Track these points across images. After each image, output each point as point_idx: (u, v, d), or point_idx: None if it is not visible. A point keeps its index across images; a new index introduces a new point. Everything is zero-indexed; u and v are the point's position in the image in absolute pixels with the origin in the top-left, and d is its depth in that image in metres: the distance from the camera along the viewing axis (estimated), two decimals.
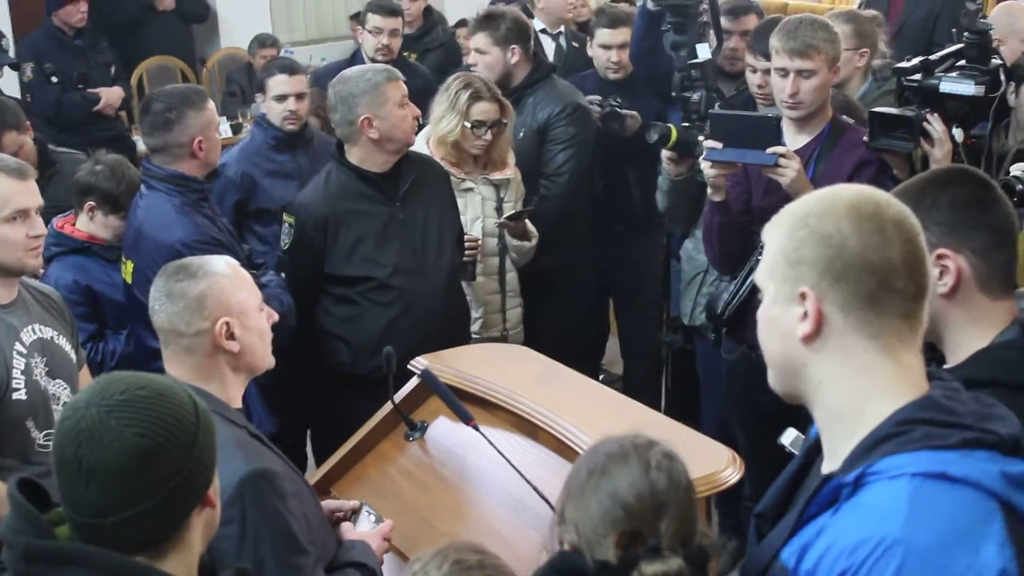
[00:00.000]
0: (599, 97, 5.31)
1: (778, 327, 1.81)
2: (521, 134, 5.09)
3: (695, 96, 4.68)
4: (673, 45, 5.07)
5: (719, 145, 3.82)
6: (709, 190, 3.93)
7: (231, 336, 2.67)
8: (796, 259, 1.76)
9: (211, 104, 4.08)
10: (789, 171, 3.73)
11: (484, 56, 5.15)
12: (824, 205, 1.78)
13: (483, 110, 4.63)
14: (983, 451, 1.67)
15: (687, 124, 4.61)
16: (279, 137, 5.08)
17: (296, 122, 5.09)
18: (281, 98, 5.07)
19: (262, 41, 8.40)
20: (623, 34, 5.31)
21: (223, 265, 2.76)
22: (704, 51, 4.82)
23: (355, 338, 4.22)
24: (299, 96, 5.09)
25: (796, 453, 2.47)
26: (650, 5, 5.29)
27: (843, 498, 1.70)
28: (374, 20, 6.17)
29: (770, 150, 3.75)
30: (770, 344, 1.85)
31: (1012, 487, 1.66)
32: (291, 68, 5.22)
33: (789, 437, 2.60)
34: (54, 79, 7.22)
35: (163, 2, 8.74)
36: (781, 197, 3.89)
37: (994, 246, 2.25)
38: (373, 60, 5.91)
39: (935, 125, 3.73)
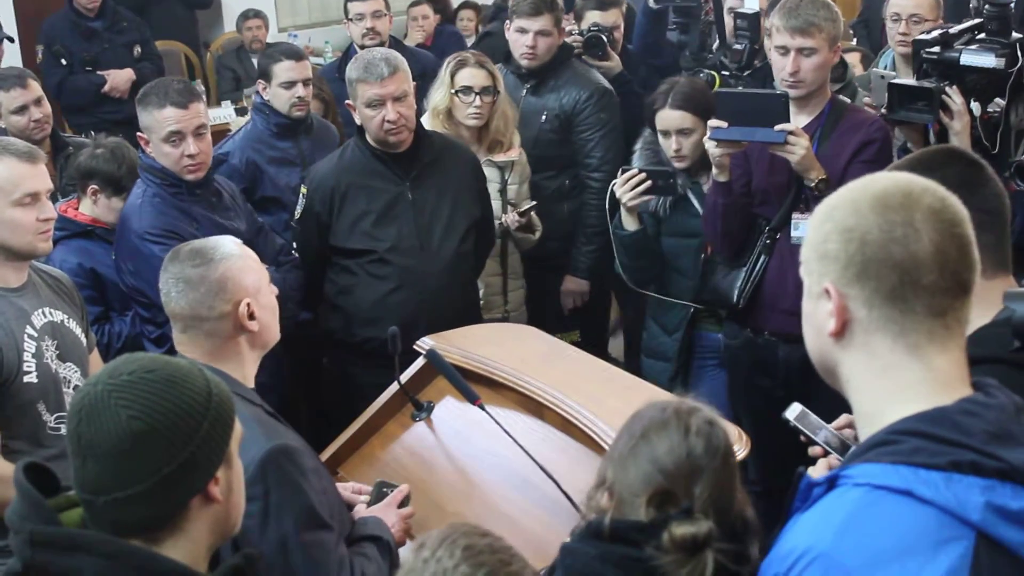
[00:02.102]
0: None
1: (812, 322, 1.76)
2: (543, 118, 5.10)
3: (738, 45, 4.68)
4: (678, 45, 5.10)
5: (724, 124, 3.81)
6: (714, 170, 3.93)
7: (251, 316, 2.69)
8: (822, 253, 1.70)
9: (167, 112, 3.95)
10: (798, 148, 3.72)
11: (547, 39, 5.10)
12: (852, 196, 1.71)
13: (468, 75, 4.67)
14: (976, 477, 1.57)
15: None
16: (281, 124, 5.08)
17: (304, 108, 5.09)
18: (289, 84, 5.05)
19: (245, 14, 8.35)
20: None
21: (233, 246, 2.78)
22: (753, 1, 4.82)
23: (348, 307, 4.29)
24: (306, 82, 5.08)
25: (801, 428, 2.49)
26: (652, 3, 5.33)
27: (814, 497, 1.66)
28: (354, 8, 6.17)
29: (778, 127, 3.73)
30: (808, 337, 1.79)
31: (998, 518, 1.56)
32: (297, 54, 5.20)
33: (794, 412, 2.58)
34: (63, 61, 7.24)
35: None
36: (783, 178, 3.90)
37: (983, 227, 2.25)
38: (363, 47, 5.87)
39: (954, 98, 3.73)
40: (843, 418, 2.66)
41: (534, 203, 4.77)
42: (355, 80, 4.15)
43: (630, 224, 4.24)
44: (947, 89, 3.74)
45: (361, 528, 2.82)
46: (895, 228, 1.64)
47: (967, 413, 1.63)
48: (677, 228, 4.31)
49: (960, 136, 3.75)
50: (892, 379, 1.68)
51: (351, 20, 6.19)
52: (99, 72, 7.27)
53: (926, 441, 1.60)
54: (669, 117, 4.20)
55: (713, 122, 3.84)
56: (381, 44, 5.87)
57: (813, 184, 3.78)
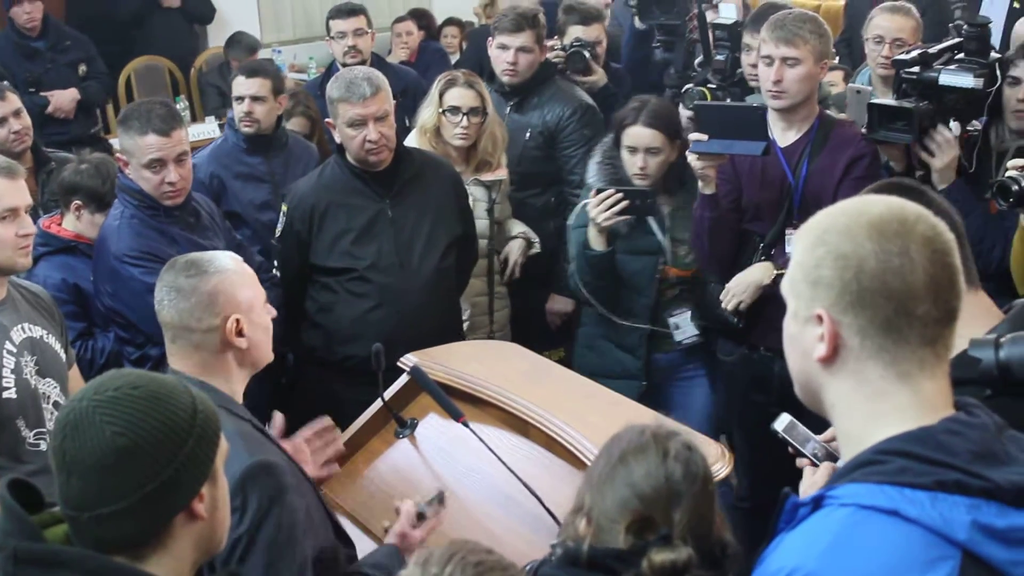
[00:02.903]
0: None
1: (798, 344, 1.74)
2: (527, 135, 5.11)
3: (719, 56, 4.70)
4: (662, 63, 5.13)
5: (705, 137, 3.82)
6: (699, 183, 3.93)
7: (240, 333, 2.68)
8: (815, 279, 1.67)
9: (150, 139, 3.91)
10: None
11: (529, 55, 5.12)
12: (846, 221, 1.68)
13: (456, 95, 4.67)
14: (961, 496, 1.56)
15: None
16: (251, 139, 5.08)
17: (251, 124, 5.09)
18: (239, 99, 5.10)
19: (243, 47, 8.25)
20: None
21: (230, 261, 2.78)
22: (730, 11, 4.84)
23: (328, 325, 4.28)
24: (255, 98, 5.08)
25: (789, 439, 2.49)
26: (638, 24, 5.35)
27: (800, 517, 1.65)
28: (336, 25, 6.16)
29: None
30: (791, 359, 1.78)
31: (984, 537, 1.55)
32: (250, 70, 5.23)
33: (782, 423, 2.57)
34: (5, 82, 7.09)
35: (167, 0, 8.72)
36: (774, 193, 3.91)
37: None
38: (345, 64, 5.86)
39: (943, 133, 3.76)
40: (831, 431, 2.66)
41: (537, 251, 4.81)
42: (336, 100, 4.14)
43: (599, 244, 4.19)
44: (939, 127, 3.76)
45: (370, 556, 2.80)
46: (892, 258, 1.63)
47: (951, 433, 1.63)
48: (634, 246, 4.26)
49: (941, 173, 3.78)
50: (881, 404, 1.67)
51: (333, 38, 6.19)
52: (42, 93, 7.18)
53: (911, 461, 1.59)
54: (640, 134, 4.17)
55: (694, 135, 3.85)
56: (363, 62, 5.87)
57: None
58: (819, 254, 1.67)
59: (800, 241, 1.73)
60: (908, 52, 4.01)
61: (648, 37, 5.49)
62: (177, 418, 1.84)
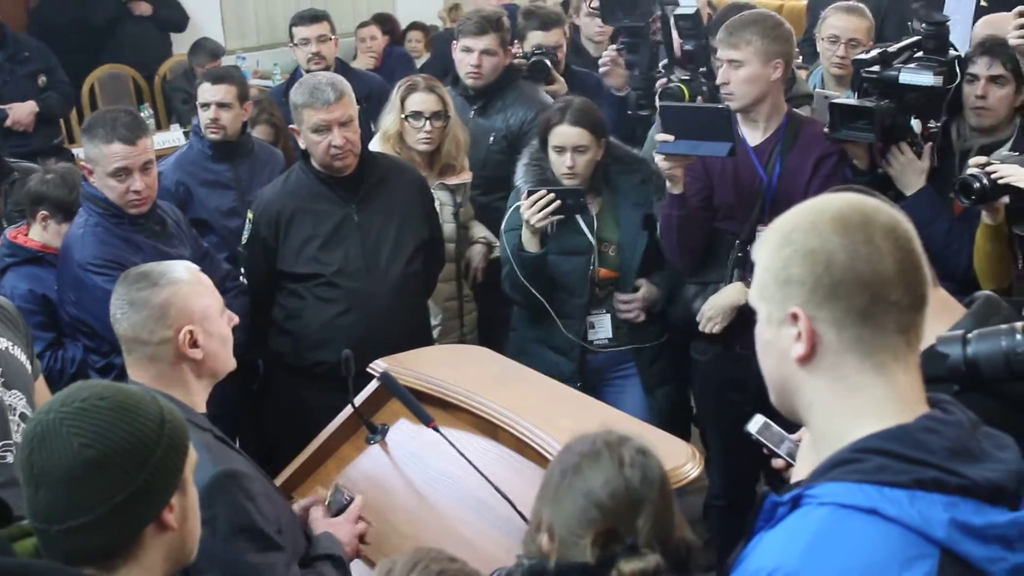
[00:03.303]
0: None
1: (773, 349, 1.73)
2: (491, 139, 5.12)
3: (688, 46, 4.73)
4: (627, 64, 5.15)
5: (671, 138, 3.83)
6: (667, 183, 3.95)
7: (194, 344, 2.68)
8: (784, 279, 1.68)
9: (115, 148, 3.92)
10: None
11: (493, 58, 5.13)
12: (809, 218, 1.70)
13: (418, 100, 4.68)
14: (939, 494, 1.58)
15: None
16: (216, 146, 5.07)
17: (217, 131, 5.07)
18: (204, 106, 5.08)
19: (208, 52, 8.24)
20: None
21: (184, 271, 2.77)
22: (689, 1, 4.87)
23: (297, 331, 4.28)
24: (221, 105, 5.06)
25: (763, 441, 2.49)
26: (596, 26, 5.41)
27: (778, 516, 1.66)
28: (299, 32, 6.17)
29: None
30: (767, 365, 1.77)
31: (962, 535, 1.57)
32: (215, 77, 5.20)
33: (756, 424, 2.58)
34: None
35: (139, 7, 8.69)
36: (747, 192, 3.93)
37: None
38: (309, 71, 5.87)
39: (907, 154, 3.81)
40: (804, 429, 2.67)
41: (497, 254, 4.82)
42: (300, 105, 4.14)
43: (532, 246, 4.20)
44: (903, 147, 3.84)
45: (316, 546, 2.82)
46: (859, 247, 1.64)
47: (927, 430, 1.64)
48: (563, 246, 4.27)
49: (901, 182, 3.85)
50: (857, 399, 1.67)
51: (296, 45, 6.19)
52: (0, 106, 7.12)
53: (889, 459, 1.60)
54: (567, 133, 4.18)
55: (660, 136, 3.87)
56: (327, 68, 5.88)
57: None
58: (786, 254, 1.68)
59: (764, 246, 1.74)
60: (868, 52, 4.05)
61: (612, 39, 5.50)
62: (145, 428, 1.83)
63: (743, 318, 3.96)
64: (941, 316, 2.30)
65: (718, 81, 3.97)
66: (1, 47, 7.30)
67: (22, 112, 7.15)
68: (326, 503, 3.06)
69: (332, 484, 3.10)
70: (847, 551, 1.55)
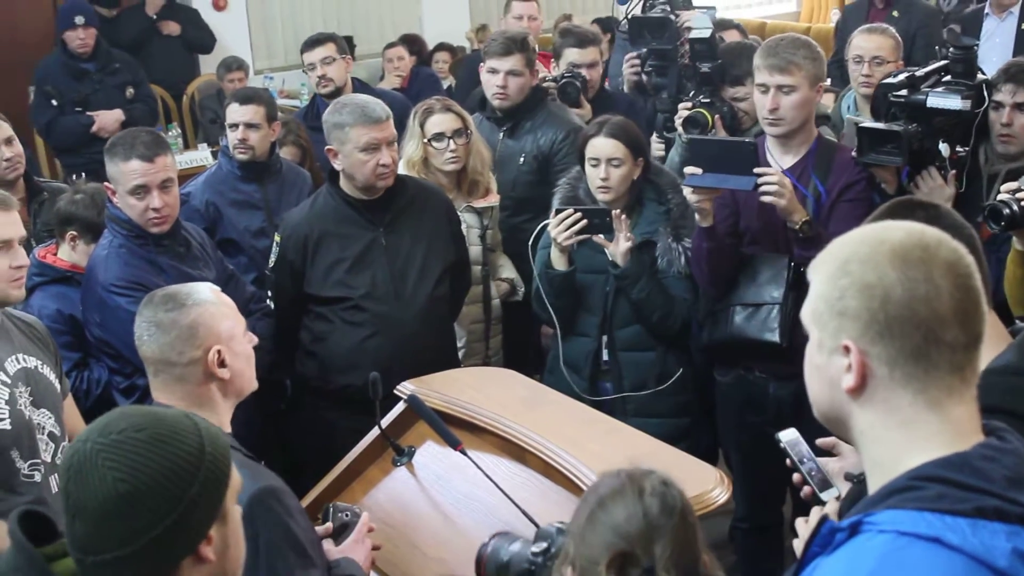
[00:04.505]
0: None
1: (823, 374, 1.71)
2: (521, 160, 5.12)
3: (705, 68, 4.73)
4: (654, 87, 5.15)
5: (699, 171, 3.82)
6: (696, 216, 3.94)
7: (222, 363, 2.68)
8: (839, 309, 1.66)
9: (133, 165, 3.92)
10: (772, 187, 3.74)
11: (519, 79, 5.15)
12: (867, 250, 1.66)
13: (438, 122, 4.70)
14: (1001, 523, 1.55)
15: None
16: (245, 166, 5.09)
17: (246, 151, 5.08)
18: (233, 127, 5.09)
19: (228, 65, 8.44)
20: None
21: (208, 292, 2.79)
22: (703, 22, 4.88)
23: (323, 355, 4.27)
24: (249, 125, 5.08)
25: (789, 452, 2.48)
26: (624, 22, 5.40)
27: (837, 542, 1.63)
28: (306, 58, 6.21)
29: (757, 171, 3.75)
30: (814, 388, 1.75)
31: (1023, 564, 1.53)
32: (244, 97, 5.21)
33: (788, 435, 2.59)
34: (53, 101, 7.33)
35: (167, 26, 8.80)
36: (772, 217, 3.92)
37: None
38: (322, 95, 5.96)
39: (937, 179, 3.78)
40: (831, 439, 2.65)
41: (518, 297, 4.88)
42: (349, 124, 4.12)
43: (560, 264, 4.22)
44: (932, 172, 3.81)
45: (335, 570, 2.80)
46: (918, 285, 1.62)
47: (986, 459, 1.62)
48: (585, 264, 4.27)
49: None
50: (911, 431, 1.65)
51: (305, 71, 6.27)
52: (88, 113, 7.31)
53: (949, 487, 1.58)
54: (602, 145, 4.18)
55: (688, 168, 3.85)
56: (337, 90, 5.92)
57: (797, 226, 3.78)
58: (842, 284, 1.66)
59: (819, 271, 1.72)
60: (896, 75, 4.03)
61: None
62: (182, 461, 1.81)
63: (763, 347, 3.98)
64: (992, 343, 2.27)
65: (768, 107, 3.90)
66: (93, 58, 7.51)
67: (108, 119, 7.31)
68: (324, 524, 3.00)
69: (325, 508, 3.04)
70: None
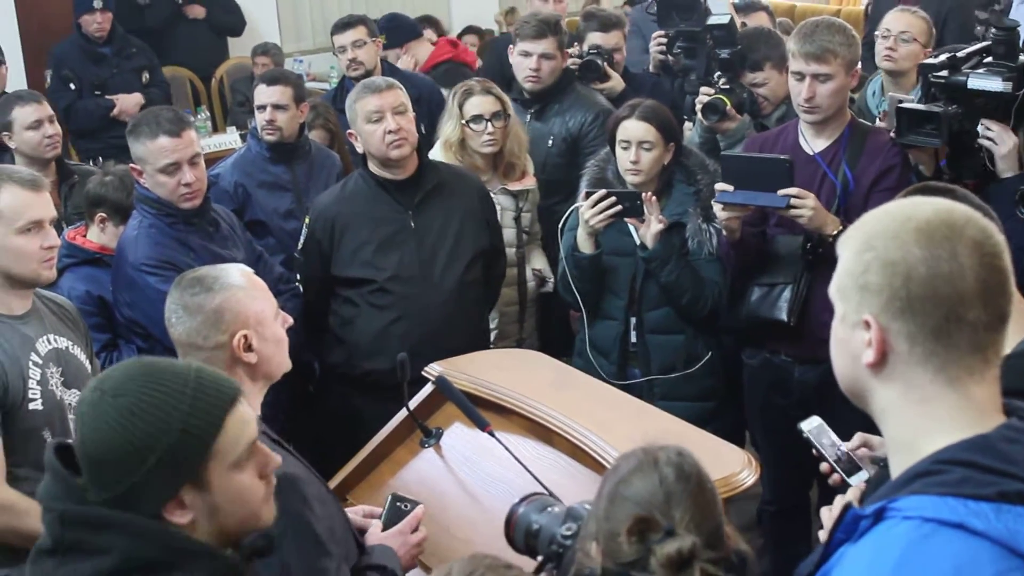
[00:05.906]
0: None
1: (846, 348, 1.71)
2: (550, 142, 5.11)
3: (724, 54, 4.72)
4: (683, 69, 5.13)
5: (730, 188, 3.80)
6: (724, 232, 3.94)
7: (249, 348, 2.68)
8: (863, 284, 1.65)
9: (162, 141, 3.93)
10: (805, 211, 3.71)
11: (551, 62, 5.15)
12: (893, 226, 1.65)
13: (477, 104, 4.68)
14: None
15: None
16: (275, 147, 5.10)
17: (273, 132, 5.10)
18: (260, 108, 5.11)
19: (260, 50, 8.47)
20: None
21: (238, 276, 2.77)
22: (721, 8, 4.87)
23: (350, 339, 4.27)
24: (277, 107, 5.09)
25: (812, 441, 2.46)
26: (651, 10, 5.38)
27: (862, 529, 1.62)
28: (337, 40, 6.21)
29: (781, 192, 3.72)
30: (838, 362, 1.75)
31: None
32: (271, 79, 5.24)
33: (810, 424, 2.57)
34: (72, 85, 7.36)
35: (193, 10, 8.84)
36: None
37: None
38: (351, 78, 5.94)
39: (994, 127, 3.72)
40: (857, 437, 2.64)
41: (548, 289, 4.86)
42: (354, 102, 4.17)
43: (587, 247, 4.19)
44: (984, 122, 3.73)
45: (367, 557, 2.80)
46: (941, 263, 1.60)
47: (1008, 440, 1.60)
48: (611, 246, 4.24)
49: (1006, 159, 3.73)
50: (930, 409, 1.64)
51: (337, 53, 6.25)
52: (108, 96, 7.35)
53: (972, 471, 1.57)
54: (634, 128, 4.15)
55: (720, 185, 3.83)
56: (367, 72, 5.91)
57: (831, 238, 3.73)
58: (867, 259, 1.65)
59: (847, 245, 1.71)
60: (936, 56, 3.99)
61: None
62: (145, 435, 1.86)
63: (774, 326, 3.97)
64: (1015, 326, 2.25)
65: (804, 96, 3.85)
66: (109, 42, 7.54)
67: (129, 103, 7.34)
68: (381, 520, 2.97)
69: (387, 497, 3.04)
70: (937, 568, 1.52)
